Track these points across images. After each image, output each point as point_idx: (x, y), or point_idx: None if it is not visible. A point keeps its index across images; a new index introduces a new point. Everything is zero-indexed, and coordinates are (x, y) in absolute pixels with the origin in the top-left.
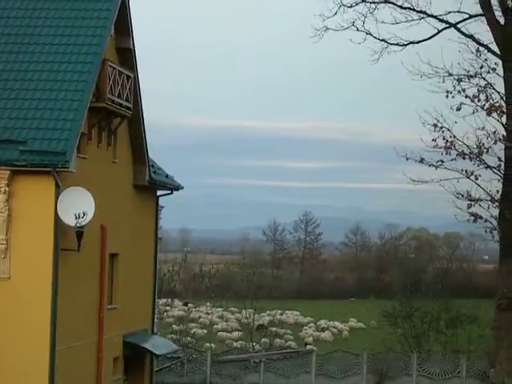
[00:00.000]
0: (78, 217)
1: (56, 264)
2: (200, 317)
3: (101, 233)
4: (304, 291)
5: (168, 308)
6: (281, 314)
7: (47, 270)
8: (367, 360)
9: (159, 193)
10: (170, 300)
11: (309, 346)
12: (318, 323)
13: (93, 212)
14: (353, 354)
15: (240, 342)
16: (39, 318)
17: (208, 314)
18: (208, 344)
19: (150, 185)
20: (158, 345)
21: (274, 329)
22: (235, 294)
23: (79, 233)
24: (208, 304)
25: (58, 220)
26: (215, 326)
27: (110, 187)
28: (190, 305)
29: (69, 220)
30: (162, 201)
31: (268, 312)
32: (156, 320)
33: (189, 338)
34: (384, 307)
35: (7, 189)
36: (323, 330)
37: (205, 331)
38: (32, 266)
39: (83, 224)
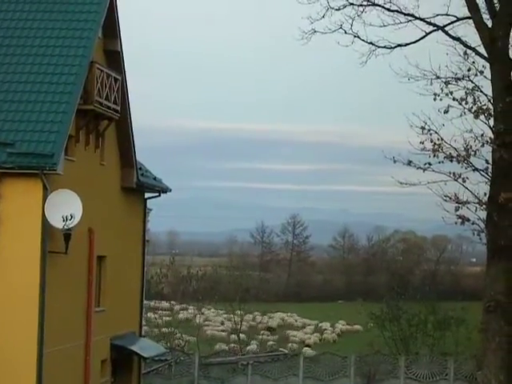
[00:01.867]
0: (65, 219)
1: (43, 266)
2: (207, 319)
3: (88, 235)
4: (291, 294)
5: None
6: (281, 319)
7: (35, 273)
8: (355, 363)
9: (147, 195)
10: (164, 302)
11: (308, 348)
12: (320, 325)
13: (80, 214)
14: (340, 356)
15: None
16: (27, 320)
17: (215, 315)
18: (234, 345)
19: (138, 187)
20: (146, 347)
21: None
22: (223, 296)
23: (67, 235)
24: (209, 306)
25: (45, 222)
26: (222, 327)
27: (97, 190)
28: (190, 307)
29: (56, 222)
30: (149, 203)
31: (270, 314)
32: (144, 321)
33: (180, 339)
34: (372, 310)
35: None
36: (323, 332)
37: (220, 332)
38: (19, 268)
39: (71, 226)
